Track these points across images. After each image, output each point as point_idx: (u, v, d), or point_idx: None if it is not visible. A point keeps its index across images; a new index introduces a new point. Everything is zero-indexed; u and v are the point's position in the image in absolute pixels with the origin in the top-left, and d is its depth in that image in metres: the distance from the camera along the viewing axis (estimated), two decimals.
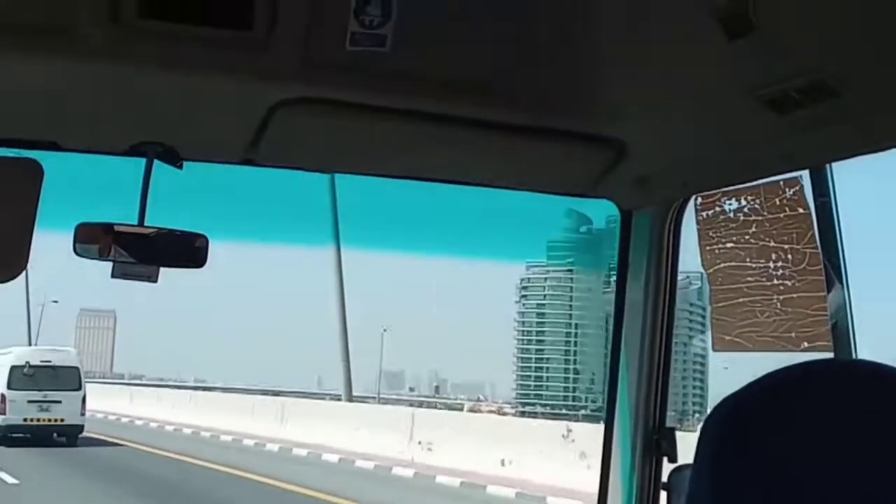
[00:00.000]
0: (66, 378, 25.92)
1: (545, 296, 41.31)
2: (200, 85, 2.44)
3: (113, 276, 2.79)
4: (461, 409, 41.18)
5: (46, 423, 25.38)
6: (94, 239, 2.73)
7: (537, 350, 41.45)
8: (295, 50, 2.35)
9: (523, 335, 41.94)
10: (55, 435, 25.42)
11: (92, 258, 2.72)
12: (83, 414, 26.04)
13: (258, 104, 2.49)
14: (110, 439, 27.32)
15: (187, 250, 2.83)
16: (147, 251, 2.77)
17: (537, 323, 41.51)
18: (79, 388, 26.02)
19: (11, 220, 2.59)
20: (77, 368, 26.84)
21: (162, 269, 2.80)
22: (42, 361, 26.30)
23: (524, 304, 41.69)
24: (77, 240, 2.73)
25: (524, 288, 41.53)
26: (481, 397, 63.14)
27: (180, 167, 2.79)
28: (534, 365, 41.42)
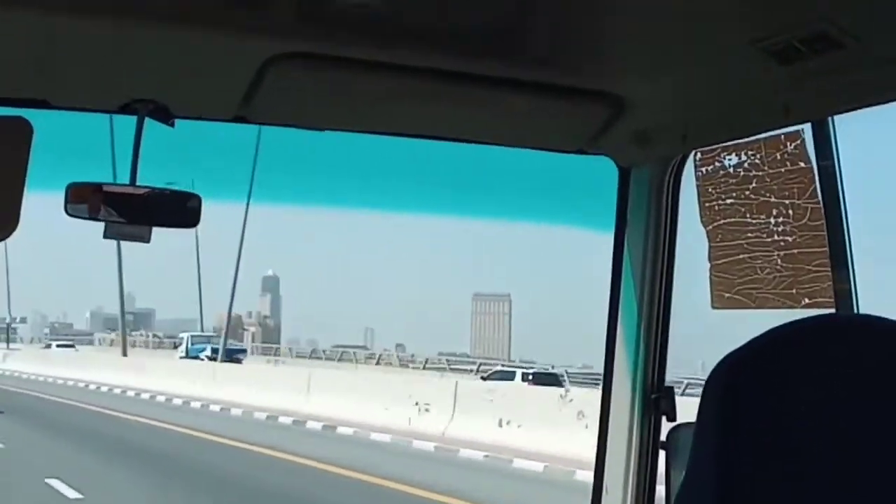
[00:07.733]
0: None
1: None
2: (192, 40, 2.40)
3: (105, 236, 2.76)
4: None
5: None
6: (83, 199, 2.70)
7: None
8: (288, 4, 2.31)
9: None
10: None
11: (82, 218, 2.69)
12: None
13: (251, 59, 2.45)
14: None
15: (180, 210, 2.80)
16: (138, 211, 2.73)
17: None
18: None
19: (1, 179, 2.55)
20: None
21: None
22: None
23: None
24: (68, 200, 2.70)
25: None
26: None
27: (172, 125, 2.75)
28: None
